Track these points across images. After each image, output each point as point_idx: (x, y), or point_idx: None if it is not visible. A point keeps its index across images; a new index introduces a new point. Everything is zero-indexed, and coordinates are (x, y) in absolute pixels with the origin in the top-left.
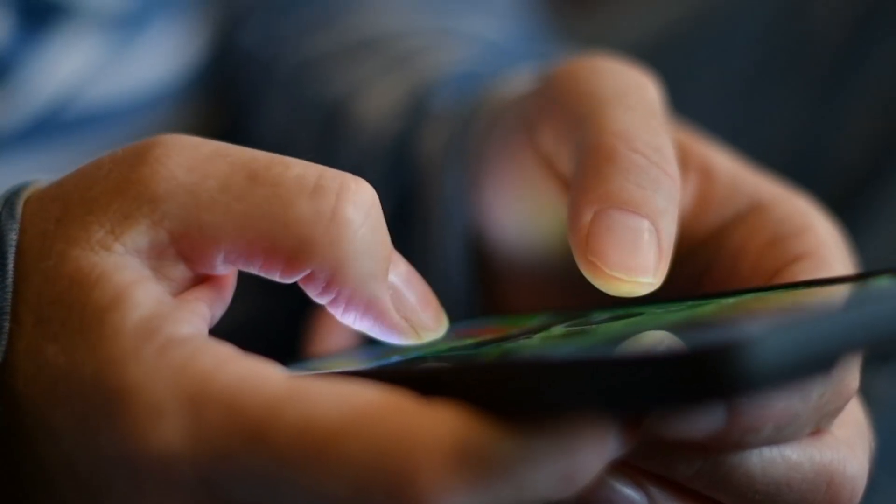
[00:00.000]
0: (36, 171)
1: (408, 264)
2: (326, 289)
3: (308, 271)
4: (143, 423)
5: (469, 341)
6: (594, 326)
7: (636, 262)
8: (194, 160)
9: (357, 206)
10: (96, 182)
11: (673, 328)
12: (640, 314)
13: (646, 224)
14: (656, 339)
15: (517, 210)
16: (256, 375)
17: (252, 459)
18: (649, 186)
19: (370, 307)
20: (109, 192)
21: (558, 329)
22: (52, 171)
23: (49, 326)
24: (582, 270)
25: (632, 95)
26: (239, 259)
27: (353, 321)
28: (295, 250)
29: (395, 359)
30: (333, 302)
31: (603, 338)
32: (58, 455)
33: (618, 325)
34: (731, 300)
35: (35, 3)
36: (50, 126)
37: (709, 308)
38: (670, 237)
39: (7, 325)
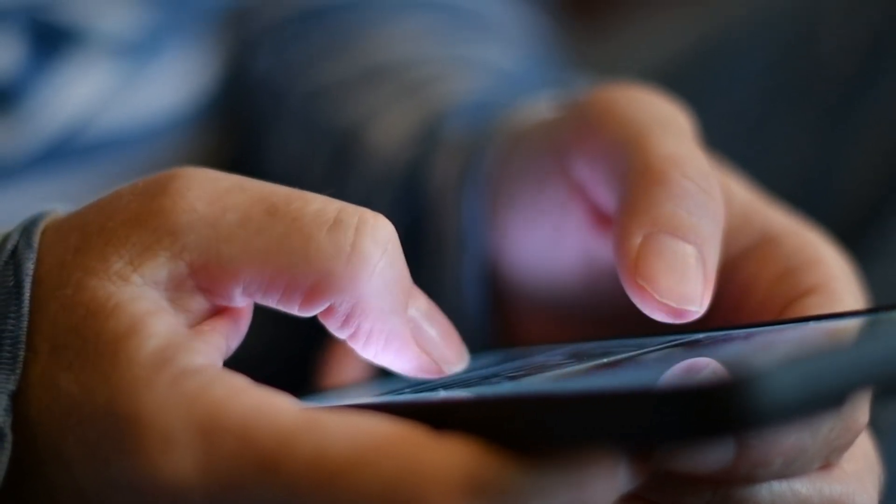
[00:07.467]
0: (48, 198)
1: (428, 299)
2: (346, 323)
3: (326, 305)
4: (154, 453)
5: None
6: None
7: (685, 290)
8: (214, 193)
9: (376, 240)
10: (116, 213)
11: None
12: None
13: (694, 251)
14: (669, 373)
15: (541, 235)
16: (269, 407)
17: (263, 490)
18: (698, 213)
19: (390, 341)
20: (129, 223)
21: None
22: (65, 198)
23: (64, 355)
24: (629, 293)
25: (672, 122)
26: (258, 292)
27: (374, 356)
28: (314, 284)
29: (408, 390)
30: (353, 336)
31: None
32: (69, 483)
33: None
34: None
35: (47, 30)
36: (62, 153)
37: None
38: (714, 265)
39: (22, 353)
